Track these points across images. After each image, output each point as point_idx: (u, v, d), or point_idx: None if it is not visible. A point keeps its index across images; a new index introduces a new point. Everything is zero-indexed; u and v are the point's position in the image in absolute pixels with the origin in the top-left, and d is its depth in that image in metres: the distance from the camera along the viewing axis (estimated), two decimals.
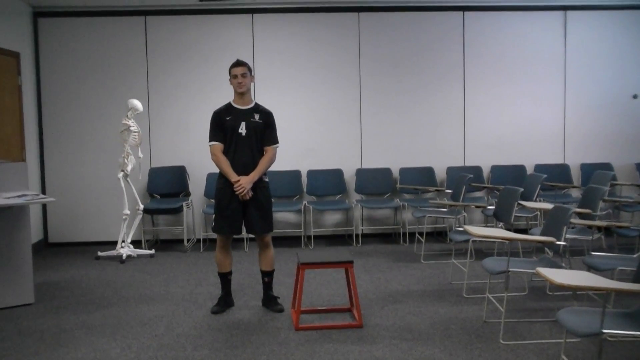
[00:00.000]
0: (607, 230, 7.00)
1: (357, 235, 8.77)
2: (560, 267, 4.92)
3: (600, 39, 9.14)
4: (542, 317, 5.32)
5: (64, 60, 8.69)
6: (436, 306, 5.72)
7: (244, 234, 6.39)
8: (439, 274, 6.92)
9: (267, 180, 5.59)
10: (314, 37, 8.90)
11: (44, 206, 8.74)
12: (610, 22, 9.14)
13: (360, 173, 8.97)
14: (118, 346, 4.84)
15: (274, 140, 5.59)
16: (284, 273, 6.68)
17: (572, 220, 5.44)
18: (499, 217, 6.44)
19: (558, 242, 4.92)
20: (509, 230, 5.77)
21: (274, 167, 5.78)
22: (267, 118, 5.54)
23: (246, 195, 5.38)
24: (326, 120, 8.96)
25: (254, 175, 5.41)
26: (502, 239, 5.32)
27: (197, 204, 8.83)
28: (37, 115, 8.67)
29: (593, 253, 5.54)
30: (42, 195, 7.40)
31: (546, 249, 6.61)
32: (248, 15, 8.80)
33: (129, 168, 7.97)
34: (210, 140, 5.52)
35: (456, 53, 9.03)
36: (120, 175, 7.95)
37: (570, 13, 9.05)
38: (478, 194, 9.03)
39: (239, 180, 5.36)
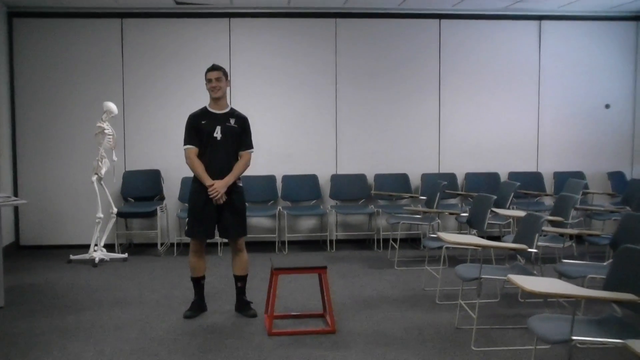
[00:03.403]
0: (578, 238, 7.07)
1: (331, 241, 8.78)
2: (531, 274, 4.97)
3: (574, 49, 9.26)
4: (513, 324, 5.36)
5: (39, 61, 8.62)
6: (409, 312, 5.75)
7: (218, 238, 6.37)
8: (413, 280, 6.95)
9: (241, 184, 5.59)
10: (291, 42, 8.92)
11: (16, 208, 8.64)
12: (584, 33, 9.26)
13: (335, 179, 8.99)
14: (91, 350, 4.81)
15: (249, 145, 5.59)
16: (257, 278, 6.66)
17: (544, 228, 5.50)
18: (473, 224, 6.49)
19: (530, 250, 4.97)
20: (482, 237, 5.82)
21: (248, 172, 5.78)
22: (243, 123, 5.55)
23: (220, 200, 5.38)
24: (302, 125, 8.98)
25: (228, 180, 5.41)
26: (475, 246, 5.36)
27: (171, 208, 8.78)
28: (11, 116, 8.58)
29: (564, 261, 5.61)
30: (14, 198, 7.33)
31: (518, 256, 6.66)
32: (225, 19, 8.79)
33: (103, 171, 7.92)
34: (185, 144, 5.50)
35: (432, 60, 9.09)
36: (94, 178, 7.90)
37: (545, 23, 9.16)
38: (452, 200, 9.09)
39: (213, 184, 5.36)
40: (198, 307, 5.70)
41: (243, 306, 5.69)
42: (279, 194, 8.89)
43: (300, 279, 6.65)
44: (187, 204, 5.81)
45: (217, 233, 5.65)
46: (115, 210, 8.11)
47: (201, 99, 5.78)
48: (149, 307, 5.93)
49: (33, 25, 8.61)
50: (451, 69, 9.11)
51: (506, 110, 9.22)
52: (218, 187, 5.36)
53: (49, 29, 8.63)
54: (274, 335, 5.10)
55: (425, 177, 9.04)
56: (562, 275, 5.10)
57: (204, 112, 5.54)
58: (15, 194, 8.55)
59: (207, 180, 5.37)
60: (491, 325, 5.33)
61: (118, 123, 8.47)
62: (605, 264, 5.44)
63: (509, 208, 7.49)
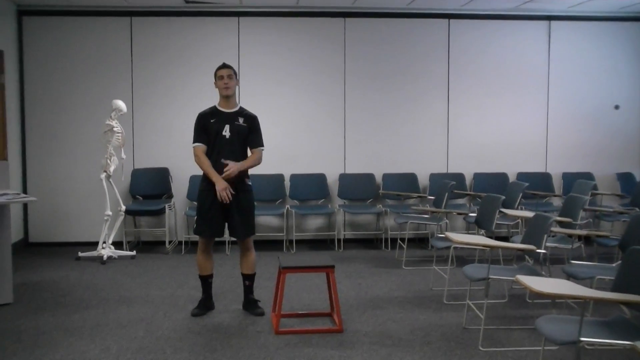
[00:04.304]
0: (587, 239, 7.05)
1: (339, 240, 8.77)
2: (540, 275, 4.96)
3: (583, 49, 9.23)
4: (521, 325, 5.35)
5: (48, 59, 8.64)
6: (416, 312, 5.74)
7: (226, 236, 6.37)
8: (420, 280, 6.94)
9: (250, 183, 5.59)
10: (300, 42, 8.92)
11: (25, 205, 8.67)
12: (594, 33, 9.22)
13: (344, 178, 8.98)
14: (97, 348, 4.82)
15: (260, 143, 5.59)
16: (265, 277, 6.67)
17: (552, 228, 5.48)
18: (481, 224, 6.47)
19: (538, 250, 4.96)
20: (490, 237, 5.80)
21: (257, 171, 5.79)
22: (252, 122, 5.55)
23: (225, 195, 5.33)
24: (310, 124, 8.97)
25: (243, 165, 5.41)
26: (483, 246, 5.34)
27: (179, 206, 8.79)
28: (20, 113, 8.61)
29: (573, 262, 5.59)
30: (23, 195, 7.35)
31: (526, 256, 6.64)
32: (234, 18, 8.79)
33: (112, 169, 7.94)
34: (193, 142, 5.51)
35: (441, 60, 9.07)
36: (103, 176, 7.91)
37: (554, 23, 9.13)
38: (460, 201, 9.07)
39: (227, 165, 5.33)
40: (205, 305, 5.70)
41: (250, 304, 5.69)
42: (287, 193, 8.89)
43: (308, 278, 6.65)
44: (195, 202, 5.81)
45: (226, 232, 5.65)
46: (123, 208, 8.13)
47: (210, 98, 5.79)
48: (156, 305, 5.94)
49: (42, 23, 8.63)
50: (460, 68, 9.09)
51: (515, 110, 9.19)
52: (233, 168, 5.34)
53: (58, 27, 8.65)
54: (281, 334, 5.10)
55: (434, 177, 9.02)
56: (571, 277, 5.08)
57: (213, 110, 5.54)
58: (25, 191, 8.58)
59: (214, 176, 5.37)
60: (499, 325, 5.32)
61: (127, 121, 8.48)
62: (613, 265, 5.43)
63: (517, 208, 7.46)
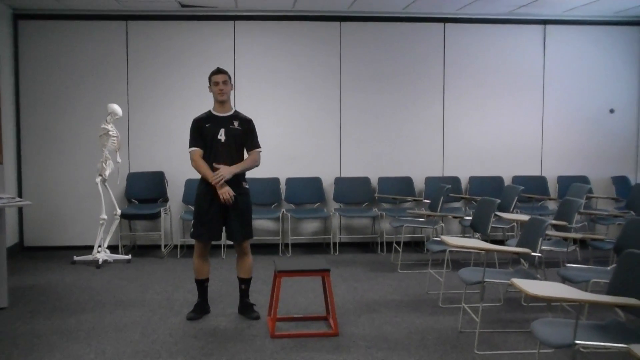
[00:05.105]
0: (582, 243, 7.06)
1: (334, 244, 8.76)
2: (535, 278, 4.96)
3: (578, 53, 9.26)
4: (516, 328, 5.35)
5: (44, 63, 8.63)
6: (412, 316, 5.74)
7: (222, 240, 6.37)
8: (416, 283, 6.94)
9: (247, 187, 5.59)
10: (296, 45, 8.92)
11: (20, 209, 8.65)
12: (589, 37, 9.25)
13: (339, 182, 8.98)
14: (92, 352, 4.81)
15: (256, 145, 5.59)
16: (261, 280, 6.67)
17: (547, 232, 5.49)
18: (476, 227, 6.48)
19: (533, 254, 4.97)
20: (486, 241, 5.81)
21: (252, 175, 5.79)
22: (247, 125, 5.55)
23: (225, 195, 5.33)
24: (306, 128, 8.98)
25: (234, 169, 5.39)
26: (479, 249, 5.36)
27: (175, 210, 8.78)
28: (16, 117, 8.59)
29: (568, 265, 5.60)
30: (18, 199, 7.34)
31: (522, 260, 6.64)
32: (230, 22, 8.79)
33: (107, 173, 7.93)
34: (190, 147, 5.51)
35: (436, 64, 9.09)
36: (98, 179, 7.90)
37: (549, 27, 9.16)
38: (456, 204, 9.07)
39: (218, 169, 5.34)
40: (201, 309, 5.70)
41: (246, 308, 5.69)
42: (283, 197, 8.89)
43: (304, 281, 6.65)
44: (190, 206, 5.81)
45: (224, 236, 5.65)
46: (119, 211, 8.12)
47: (205, 102, 5.80)
48: (151, 309, 5.93)
49: (38, 27, 8.62)
50: (455, 72, 9.11)
51: (510, 114, 9.20)
52: (223, 172, 5.33)
53: (54, 31, 8.64)
54: (277, 337, 5.10)
55: (429, 181, 9.03)
56: (566, 280, 5.10)
57: (208, 115, 5.55)
58: (20, 195, 8.56)
59: (210, 176, 5.37)
60: (494, 329, 5.33)
61: (122, 125, 8.48)
62: (608, 268, 5.44)
63: (512, 212, 7.48)
